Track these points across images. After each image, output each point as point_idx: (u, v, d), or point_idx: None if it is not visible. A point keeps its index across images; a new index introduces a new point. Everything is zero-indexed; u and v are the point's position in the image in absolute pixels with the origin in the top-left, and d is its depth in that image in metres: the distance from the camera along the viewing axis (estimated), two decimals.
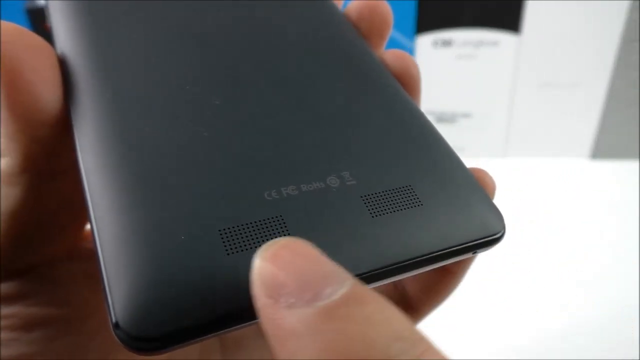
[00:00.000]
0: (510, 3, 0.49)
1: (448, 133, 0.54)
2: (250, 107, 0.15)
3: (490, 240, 0.14)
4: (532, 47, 0.51)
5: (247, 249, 0.12)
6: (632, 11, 0.48)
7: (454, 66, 0.52)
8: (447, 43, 0.51)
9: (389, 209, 0.13)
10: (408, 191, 0.14)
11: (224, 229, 0.12)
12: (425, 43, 0.51)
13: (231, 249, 0.11)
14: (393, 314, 0.09)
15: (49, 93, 0.13)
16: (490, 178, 0.15)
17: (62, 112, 0.14)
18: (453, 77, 0.53)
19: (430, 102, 0.54)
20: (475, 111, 0.54)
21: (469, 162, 0.15)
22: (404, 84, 0.18)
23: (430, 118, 0.54)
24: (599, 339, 0.36)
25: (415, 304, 0.19)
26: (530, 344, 0.36)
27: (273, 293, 0.09)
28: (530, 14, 0.50)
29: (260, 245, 0.11)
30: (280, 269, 0.09)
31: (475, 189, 0.15)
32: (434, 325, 0.20)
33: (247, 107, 0.15)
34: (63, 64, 0.15)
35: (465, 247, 0.13)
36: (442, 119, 0.54)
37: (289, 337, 0.09)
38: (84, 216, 0.16)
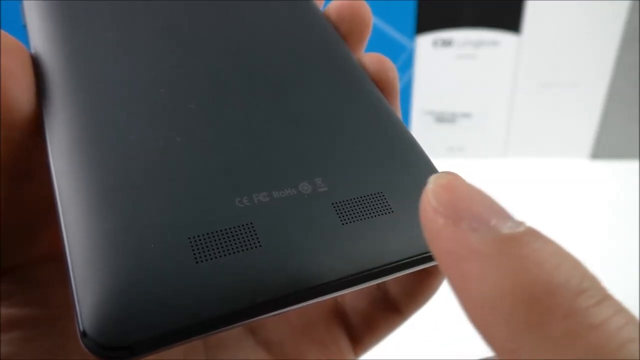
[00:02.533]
0: (510, 3, 0.49)
1: (448, 133, 0.55)
2: (225, 112, 0.15)
3: None
4: (532, 47, 0.51)
5: (216, 257, 0.12)
6: (632, 11, 0.48)
7: (454, 66, 0.52)
8: (447, 43, 0.51)
9: (359, 216, 0.13)
10: (379, 198, 0.14)
11: (194, 237, 0.12)
12: (425, 43, 0.51)
13: (200, 257, 0.11)
14: (575, 257, 0.09)
15: (22, 94, 0.13)
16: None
17: (35, 113, 0.14)
18: (453, 77, 0.53)
19: (430, 102, 0.54)
20: (475, 111, 0.54)
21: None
22: (382, 88, 0.18)
23: (430, 118, 0.54)
24: None
25: (398, 305, 0.19)
26: None
27: (453, 215, 0.09)
28: (530, 14, 0.50)
29: (230, 253, 0.12)
30: (460, 198, 0.09)
31: None
32: (435, 325, 0.20)
33: (221, 112, 0.15)
34: (37, 65, 0.14)
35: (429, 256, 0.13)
36: (442, 119, 0.54)
37: (471, 257, 0.09)
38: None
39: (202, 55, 0.16)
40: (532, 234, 0.09)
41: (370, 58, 0.18)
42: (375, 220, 0.13)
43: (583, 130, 0.54)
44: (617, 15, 0.49)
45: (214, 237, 0.12)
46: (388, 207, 0.14)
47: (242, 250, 0.12)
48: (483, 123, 0.54)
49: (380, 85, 0.18)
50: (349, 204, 0.13)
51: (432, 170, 0.15)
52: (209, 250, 0.12)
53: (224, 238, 0.12)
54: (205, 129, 0.14)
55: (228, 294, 0.11)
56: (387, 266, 0.13)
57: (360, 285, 0.12)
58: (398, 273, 0.13)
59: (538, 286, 0.08)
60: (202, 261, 0.11)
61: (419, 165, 0.15)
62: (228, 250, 0.12)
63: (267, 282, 0.11)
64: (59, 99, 0.14)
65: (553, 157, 0.55)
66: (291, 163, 0.14)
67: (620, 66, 0.51)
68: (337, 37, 0.19)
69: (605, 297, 0.08)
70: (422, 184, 0.14)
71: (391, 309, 0.19)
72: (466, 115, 0.54)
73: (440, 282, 0.18)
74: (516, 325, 0.08)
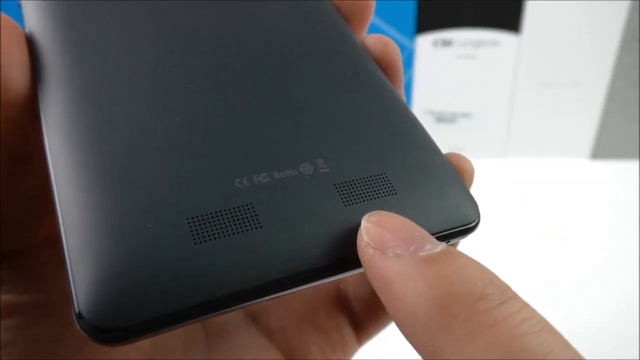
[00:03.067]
0: (510, 3, 0.49)
1: (448, 133, 0.55)
2: (224, 93, 0.14)
3: (464, 229, 0.14)
4: (532, 47, 0.51)
5: (215, 238, 0.11)
6: (632, 11, 0.48)
7: (454, 66, 0.52)
8: (447, 43, 0.51)
9: (362, 197, 0.13)
10: (382, 179, 0.14)
11: (192, 218, 0.11)
12: (425, 43, 0.51)
13: (199, 238, 0.11)
14: (483, 267, 0.11)
15: (16, 73, 0.13)
16: (468, 162, 0.15)
17: (30, 93, 0.13)
18: (453, 77, 0.53)
19: (430, 102, 0.54)
20: (475, 111, 0.54)
21: None
22: (385, 70, 0.17)
23: (430, 118, 0.54)
24: (599, 339, 0.36)
25: (361, 324, 0.19)
26: None
27: (380, 246, 0.11)
28: (530, 14, 0.50)
29: (230, 234, 0.11)
30: (386, 230, 0.11)
31: (450, 177, 0.14)
32: None
33: (221, 93, 0.14)
34: (32, 44, 0.14)
35: (438, 236, 0.13)
36: (442, 119, 0.54)
37: (396, 278, 0.10)
38: None
39: (202, 36, 0.16)
40: (446, 253, 0.11)
41: (373, 39, 0.18)
42: (378, 201, 0.13)
43: (583, 130, 0.54)
44: (617, 15, 0.49)
45: (213, 217, 0.12)
46: (391, 189, 0.13)
47: (242, 232, 0.12)
48: (483, 123, 0.54)
49: (383, 66, 0.18)
50: (351, 185, 0.13)
51: (433, 150, 0.15)
52: (207, 231, 0.11)
53: (223, 219, 0.12)
54: (204, 110, 0.14)
55: (227, 275, 0.11)
56: None
57: (362, 268, 0.12)
58: None
59: (447, 296, 0.10)
60: (200, 242, 0.11)
61: (421, 146, 0.15)
62: (227, 231, 0.11)
63: (267, 264, 0.11)
64: (54, 79, 0.13)
65: (553, 157, 0.55)
66: (292, 144, 0.14)
67: (620, 66, 0.51)
68: (339, 18, 0.18)
69: (508, 299, 0.10)
70: (424, 164, 0.14)
71: (355, 328, 0.19)
72: (466, 115, 0.54)
73: None
74: (432, 331, 0.10)
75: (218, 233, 0.11)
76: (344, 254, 0.12)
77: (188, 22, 0.16)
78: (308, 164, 0.13)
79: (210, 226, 0.11)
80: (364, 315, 0.19)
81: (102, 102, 0.13)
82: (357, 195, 0.13)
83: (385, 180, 0.14)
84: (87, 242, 0.11)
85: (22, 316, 0.14)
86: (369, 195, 0.13)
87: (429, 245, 0.11)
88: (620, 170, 0.53)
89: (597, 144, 0.55)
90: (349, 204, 0.13)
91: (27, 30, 0.15)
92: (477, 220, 0.14)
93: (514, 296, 0.10)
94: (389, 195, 0.13)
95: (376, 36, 0.18)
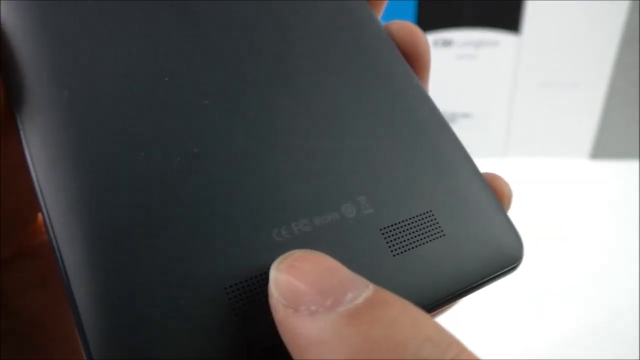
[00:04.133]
0: (510, 3, 0.49)
1: None
2: (251, 128, 0.12)
3: (510, 269, 0.13)
4: (532, 47, 0.51)
5: (257, 309, 0.10)
6: (632, 11, 0.48)
7: (454, 66, 0.52)
8: (447, 43, 0.51)
9: (410, 243, 0.12)
10: (429, 219, 0.12)
11: (231, 286, 0.10)
12: None
13: (239, 309, 0.10)
14: (420, 316, 0.09)
15: None
16: (506, 185, 0.14)
17: (2, 97, 0.11)
18: (453, 77, 0.53)
19: None
20: (475, 111, 0.54)
21: None
22: (412, 63, 0.15)
23: None
24: (599, 339, 0.36)
25: None
26: (528, 345, 0.36)
27: (292, 302, 0.09)
28: (530, 14, 0.50)
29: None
30: (298, 279, 0.09)
31: (495, 209, 0.13)
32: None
33: (248, 128, 0.12)
34: (1, 41, 0.11)
35: (487, 280, 0.12)
36: None
37: (313, 344, 0.08)
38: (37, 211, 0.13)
39: (219, 43, 0.13)
40: (372, 304, 0.09)
41: (398, 26, 0.16)
42: (427, 247, 0.12)
43: (583, 130, 0.54)
44: (617, 15, 0.49)
45: (253, 283, 0.10)
46: (439, 229, 0.12)
47: None
48: (483, 123, 0.54)
49: (410, 59, 0.16)
50: (398, 229, 0.12)
51: (477, 178, 0.13)
52: (249, 301, 0.10)
53: (263, 283, 0.10)
54: (230, 148, 0.11)
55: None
56: (440, 301, 0.11)
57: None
58: (447, 305, 0.12)
59: None
60: (240, 315, 0.10)
61: (464, 174, 0.13)
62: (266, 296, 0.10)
63: None
64: (33, 87, 0.11)
65: (553, 157, 0.55)
66: (330, 181, 0.12)
67: (620, 66, 0.51)
68: (374, 20, 0.16)
69: (453, 358, 0.08)
70: (469, 196, 0.13)
71: None
72: (466, 115, 0.54)
73: None
74: None
75: (260, 299, 0.10)
76: None
77: (207, 37, 0.13)
78: (350, 204, 0.12)
79: (251, 293, 0.10)
80: None
81: (102, 125, 0.11)
82: (405, 240, 0.12)
83: (431, 220, 0.12)
84: (108, 330, 0.09)
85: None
86: (417, 240, 0.12)
87: (349, 295, 0.09)
88: (620, 170, 0.53)
89: (597, 144, 0.55)
90: (398, 253, 0.11)
91: None
92: (521, 259, 0.13)
93: (460, 352, 0.08)
94: (437, 237, 0.12)
95: (402, 24, 0.16)
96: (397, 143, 0.13)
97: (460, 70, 0.52)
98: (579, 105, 0.53)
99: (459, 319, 0.37)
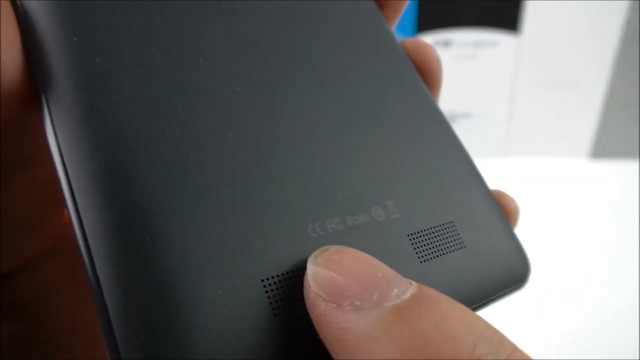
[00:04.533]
0: (510, 3, 0.49)
1: None
2: (288, 129, 0.12)
3: (517, 287, 0.13)
4: (532, 47, 0.51)
5: (297, 306, 0.09)
6: (632, 11, 0.48)
7: (454, 66, 0.52)
8: (447, 43, 0.51)
9: (435, 251, 0.12)
10: (450, 230, 0.12)
11: (268, 279, 0.09)
12: None
13: (278, 305, 0.09)
14: (470, 313, 0.08)
15: (5, 56, 0.10)
16: (513, 202, 0.14)
17: (25, 83, 0.10)
18: (453, 77, 0.53)
19: None
20: (475, 111, 0.54)
21: None
22: (426, 80, 0.16)
23: None
24: (599, 339, 0.36)
25: None
26: (528, 345, 0.36)
27: (334, 297, 0.08)
28: (530, 13, 0.50)
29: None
30: (338, 273, 0.09)
31: (504, 225, 0.13)
32: None
33: (284, 129, 0.12)
34: (27, 24, 0.11)
35: (495, 298, 0.12)
36: None
37: (360, 341, 0.08)
38: (61, 206, 0.13)
39: (256, 53, 0.13)
40: (420, 300, 0.08)
41: (411, 44, 0.16)
42: (450, 257, 0.12)
43: (583, 130, 0.54)
44: (616, 15, 0.49)
45: (289, 278, 0.10)
46: (460, 241, 0.12)
47: None
48: (483, 123, 0.54)
49: (424, 76, 0.16)
50: (424, 236, 0.12)
51: (487, 194, 0.14)
52: (287, 297, 0.09)
53: (299, 279, 0.10)
54: (268, 147, 0.11)
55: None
56: None
57: None
58: None
59: None
60: (281, 312, 0.09)
61: (478, 188, 0.14)
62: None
63: None
64: (60, 68, 0.10)
65: (553, 157, 0.55)
66: (361, 184, 0.12)
67: (620, 66, 0.51)
68: (401, 50, 0.16)
69: (507, 357, 0.08)
70: (484, 210, 0.13)
71: None
72: (466, 115, 0.54)
73: None
74: None
75: (297, 298, 0.09)
76: None
77: (251, 43, 0.13)
78: (379, 207, 0.12)
79: (288, 289, 0.10)
80: None
81: (132, 117, 0.10)
82: (430, 248, 0.12)
83: (453, 231, 0.12)
84: (137, 319, 0.09)
85: (24, 353, 0.12)
86: (442, 249, 0.12)
87: (395, 290, 0.09)
88: (620, 170, 0.53)
89: (596, 144, 0.55)
90: (425, 260, 0.11)
91: (19, 7, 0.11)
92: (528, 277, 0.13)
93: (513, 351, 0.08)
94: (459, 249, 0.12)
95: (414, 41, 0.16)
96: (421, 152, 0.13)
97: (460, 70, 0.52)
98: (578, 105, 0.53)
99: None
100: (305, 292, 0.09)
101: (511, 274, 0.13)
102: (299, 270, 0.10)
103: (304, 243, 0.10)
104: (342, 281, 0.09)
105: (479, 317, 0.08)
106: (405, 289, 0.09)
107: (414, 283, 0.09)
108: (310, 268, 0.09)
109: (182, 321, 0.09)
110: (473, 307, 0.12)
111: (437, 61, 0.16)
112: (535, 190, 0.50)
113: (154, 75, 0.11)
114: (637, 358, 0.34)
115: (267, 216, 0.10)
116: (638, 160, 0.54)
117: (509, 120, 0.54)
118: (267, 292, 0.09)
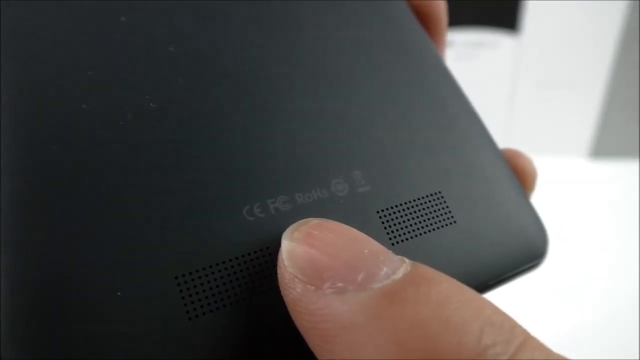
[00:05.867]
0: (510, 3, 0.49)
1: None
2: (226, 90, 0.10)
3: (533, 264, 0.11)
4: (532, 47, 0.51)
5: (216, 308, 0.08)
6: (632, 11, 0.48)
7: (454, 66, 0.52)
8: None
9: (414, 230, 0.10)
10: (437, 202, 0.10)
11: (184, 275, 0.08)
12: None
13: (195, 309, 0.08)
14: (474, 295, 0.07)
15: None
16: (528, 162, 0.11)
17: None
18: None
19: None
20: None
21: None
22: (426, 26, 0.14)
23: None
24: (599, 339, 0.36)
25: None
26: None
27: (313, 278, 0.07)
28: (530, 14, 0.50)
29: (237, 301, 0.08)
30: (319, 250, 0.07)
31: (514, 191, 0.11)
32: None
33: (221, 91, 0.10)
34: None
35: (504, 278, 0.11)
36: None
37: (342, 329, 0.07)
38: None
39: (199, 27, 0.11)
40: (414, 280, 0.07)
41: None
42: (435, 235, 0.10)
43: (582, 129, 0.54)
44: (616, 15, 0.49)
45: (211, 273, 0.08)
46: (449, 215, 0.10)
47: (254, 293, 0.08)
48: None
49: (424, 21, 0.14)
50: (399, 212, 0.10)
51: (494, 155, 0.11)
52: (205, 297, 0.08)
53: (226, 274, 0.08)
54: (198, 112, 0.09)
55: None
56: None
57: None
58: None
59: (427, 355, 0.06)
60: (197, 316, 0.08)
61: (479, 150, 0.11)
62: (231, 294, 0.08)
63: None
64: None
65: (552, 157, 0.55)
66: (319, 153, 0.10)
67: (620, 66, 0.51)
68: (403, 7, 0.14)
69: (518, 348, 0.06)
70: (486, 175, 0.10)
71: None
72: None
73: None
74: None
75: (219, 299, 0.08)
76: None
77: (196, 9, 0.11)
78: (341, 180, 0.10)
79: (209, 287, 0.08)
80: None
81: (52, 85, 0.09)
82: (407, 226, 0.10)
83: (440, 203, 0.10)
84: (34, 318, 0.07)
85: None
86: (422, 226, 0.10)
87: (385, 269, 0.07)
88: (620, 170, 0.53)
89: (596, 144, 0.55)
90: (397, 242, 0.09)
91: None
92: (546, 252, 0.11)
93: (526, 339, 0.06)
94: (446, 225, 0.10)
95: None
96: (402, 109, 0.11)
97: (460, 70, 0.52)
98: (578, 104, 0.53)
99: None
100: (279, 272, 0.08)
101: (522, 249, 0.11)
102: (233, 262, 0.08)
103: (240, 228, 0.08)
104: (323, 260, 0.07)
105: (485, 300, 0.07)
106: (397, 268, 0.07)
107: (407, 260, 0.07)
108: (286, 245, 0.08)
109: (64, 323, 0.07)
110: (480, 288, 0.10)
111: (441, 4, 0.14)
112: (535, 189, 0.50)
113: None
114: (637, 358, 0.34)
115: (187, 200, 0.08)
116: (638, 160, 0.54)
117: (509, 120, 0.54)
118: (181, 292, 0.08)
